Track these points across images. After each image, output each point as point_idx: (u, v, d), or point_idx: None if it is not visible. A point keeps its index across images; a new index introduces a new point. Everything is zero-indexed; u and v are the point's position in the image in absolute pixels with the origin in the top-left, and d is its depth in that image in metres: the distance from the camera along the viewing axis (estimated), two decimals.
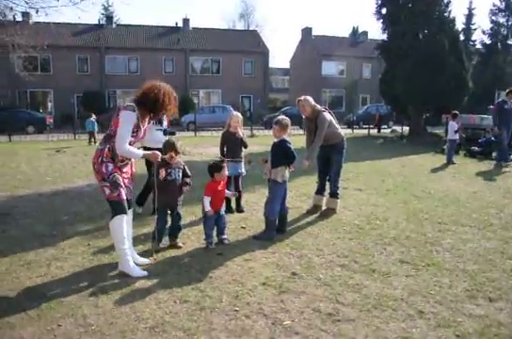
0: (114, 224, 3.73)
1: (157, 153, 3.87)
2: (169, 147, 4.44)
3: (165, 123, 5.70)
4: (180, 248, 4.42)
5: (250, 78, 37.07)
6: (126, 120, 3.60)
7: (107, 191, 3.67)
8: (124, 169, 3.81)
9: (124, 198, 3.74)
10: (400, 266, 4.01)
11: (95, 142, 16.46)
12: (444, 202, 6.69)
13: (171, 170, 4.37)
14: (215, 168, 4.59)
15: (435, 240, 4.81)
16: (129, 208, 3.85)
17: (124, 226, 3.75)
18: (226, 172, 4.70)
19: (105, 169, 3.65)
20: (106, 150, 3.66)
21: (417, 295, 3.41)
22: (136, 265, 3.84)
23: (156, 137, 5.42)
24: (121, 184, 3.71)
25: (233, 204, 5.98)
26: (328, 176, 6.02)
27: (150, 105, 3.71)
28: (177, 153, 4.44)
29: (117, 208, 3.72)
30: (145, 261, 4.04)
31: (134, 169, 4.01)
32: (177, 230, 4.54)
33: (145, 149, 5.40)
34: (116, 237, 3.75)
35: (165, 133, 5.59)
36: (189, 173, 4.55)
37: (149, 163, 5.49)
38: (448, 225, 5.42)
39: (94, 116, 17.93)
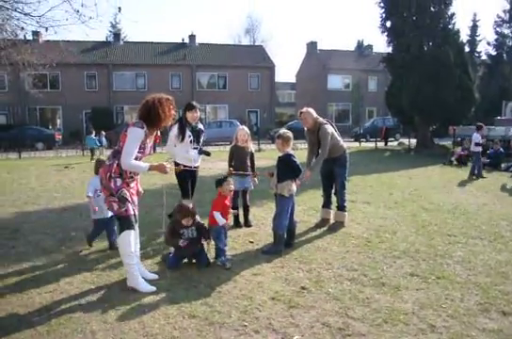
0: (122, 239, 3.74)
1: (164, 164, 3.82)
2: (185, 213, 4.28)
3: (201, 141, 5.62)
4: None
5: (257, 93, 37.32)
6: (134, 136, 3.62)
7: (115, 206, 3.69)
8: (131, 185, 3.83)
9: (132, 213, 3.75)
10: (410, 280, 3.97)
11: (92, 159, 16.51)
12: (454, 215, 6.64)
13: (184, 231, 4.28)
14: (216, 182, 4.67)
15: (445, 253, 4.76)
16: (135, 223, 3.87)
17: (132, 241, 3.76)
18: (230, 187, 4.67)
19: (114, 184, 3.67)
20: (115, 165, 3.68)
21: (428, 308, 3.37)
22: (145, 280, 3.83)
23: (191, 155, 5.42)
24: (129, 199, 3.73)
25: (241, 219, 5.97)
26: (334, 190, 6.01)
27: (155, 120, 3.71)
28: (193, 217, 4.32)
29: (125, 223, 3.73)
30: (153, 276, 4.02)
31: (140, 186, 4.03)
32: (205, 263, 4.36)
33: (176, 164, 5.40)
34: (124, 252, 3.75)
35: (200, 152, 5.54)
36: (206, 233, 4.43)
37: (181, 178, 5.46)
38: (458, 237, 5.37)
39: (94, 133, 18.04)
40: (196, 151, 5.46)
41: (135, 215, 3.82)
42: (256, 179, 6.02)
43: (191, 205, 4.34)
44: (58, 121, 34.27)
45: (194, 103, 5.45)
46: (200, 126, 5.62)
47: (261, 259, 4.55)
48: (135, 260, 3.79)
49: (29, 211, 7.16)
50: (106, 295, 3.65)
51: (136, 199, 3.90)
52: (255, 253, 4.77)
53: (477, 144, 11.27)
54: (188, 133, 5.37)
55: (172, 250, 4.42)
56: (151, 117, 3.69)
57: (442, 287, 3.80)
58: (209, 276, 4.07)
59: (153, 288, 3.73)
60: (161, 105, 3.70)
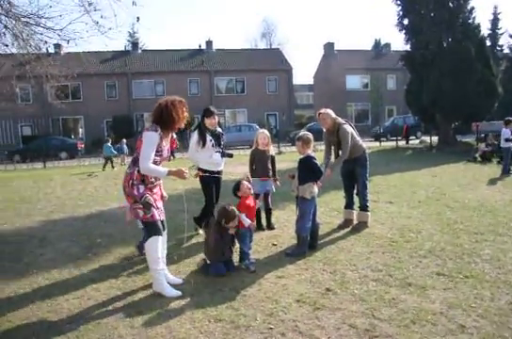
0: (150, 245, 3.76)
1: (183, 169, 3.79)
2: (232, 216, 4.28)
3: (223, 144, 5.62)
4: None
5: (275, 96, 37.35)
6: (149, 140, 3.65)
7: (141, 213, 3.72)
8: (154, 190, 3.86)
9: (158, 218, 3.78)
10: (437, 279, 3.91)
11: (113, 167, 16.75)
12: (480, 212, 6.51)
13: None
14: (233, 190, 4.70)
15: (472, 251, 4.66)
16: (163, 229, 3.90)
17: (159, 247, 3.79)
18: (246, 187, 4.65)
19: (137, 191, 3.71)
20: (136, 172, 3.72)
21: (457, 308, 3.30)
22: (169, 284, 3.86)
23: (214, 159, 5.43)
24: (154, 204, 3.76)
25: (264, 222, 5.97)
26: (356, 190, 5.96)
27: (168, 122, 3.72)
28: (234, 221, 4.30)
29: (151, 229, 3.77)
30: (178, 280, 4.05)
31: (164, 191, 4.06)
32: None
33: (199, 170, 5.46)
34: (151, 258, 3.78)
35: (223, 155, 5.52)
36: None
37: (205, 183, 5.46)
38: (485, 235, 5.26)
39: (111, 141, 18.26)
40: (219, 154, 5.47)
41: (162, 220, 3.86)
42: (278, 182, 6.02)
43: (232, 207, 4.35)
44: (80, 131, 34.97)
45: (212, 108, 5.44)
46: (219, 130, 5.65)
47: (285, 261, 4.53)
48: (161, 265, 3.82)
49: (55, 219, 7.31)
50: (133, 300, 3.69)
51: (160, 204, 3.92)
52: (279, 256, 4.76)
53: (507, 140, 10.94)
54: (209, 137, 5.38)
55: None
56: (163, 119, 3.71)
57: (471, 286, 3.72)
58: (234, 279, 4.08)
59: (179, 293, 3.76)
60: (174, 108, 3.72)
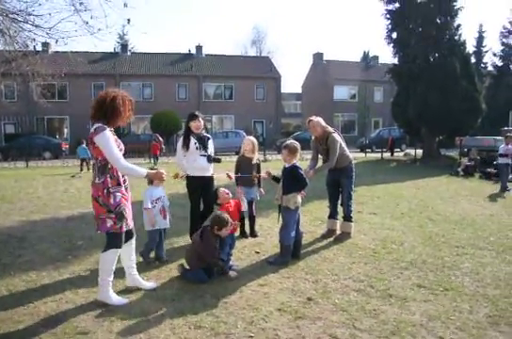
0: (107, 257, 3.61)
1: (161, 171, 3.71)
2: (225, 222, 4.24)
3: (210, 149, 5.40)
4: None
5: (263, 103, 37.49)
6: (106, 141, 3.45)
7: (109, 223, 3.53)
8: (126, 194, 3.67)
9: (124, 230, 3.63)
10: (418, 291, 3.94)
11: (88, 169, 16.41)
12: (461, 226, 6.59)
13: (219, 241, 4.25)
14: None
15: (453, 264, 4.72)
16: (132, 236, 3.80)
17: (116, 260, 3.67)
18: (224, 193, 4.63)
19: (114, 199, 3.52)
20: (109, 179, 3.54)
21: (436, 320, 3.33)
22: (143, 289, 3.82)
23: (199, 164, 5.24)
24: (126, 216, 3.61)
25: (247, 229, 5.95)
26: (340, 200, 5.99)
27: (110, 113, 3.53)
28: (226, 228, 4.28)
29: (114, 241, 3.60)
30: (151, 285, 4.01)
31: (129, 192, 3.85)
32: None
33: (188, 178, 5.31)
34: (105, 269, 3.63)
35: (209, 159, 5.31)
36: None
37: (190, 189, 5.34)
38: (466, 249, 5.33)
39: (85, 142, 18.00)
40: (204, 158, 5.27)
41: (130, 229, 3.72)
42: (262, 190, 6.01)
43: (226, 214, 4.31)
44: (65, 131, 34.54)
45: (196, 112, 5.34)
46: (207, 134, 5.50)
47: (267, 270, 4.52)
48: (111, 277, 3.69)
49: (36, 220, 7.19)
50: (112, 305, 3.63)
51: (130, 208, 3.73)
52: (261, 264, 4.75)
53: (502, 155, 11.10)
54: (194, 140, 5.23)
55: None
56: (107, 111, 3.51)
57: (450, 299, 3.76)
58: (215, 286, 4.05)
59: (125, 300, 3.68)
60: (123, 103, 3.58)
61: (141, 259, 4.69)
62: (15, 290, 3.99)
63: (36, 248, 5.43)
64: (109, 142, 3.46)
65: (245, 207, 5.24)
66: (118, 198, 3.54)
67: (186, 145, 5.23)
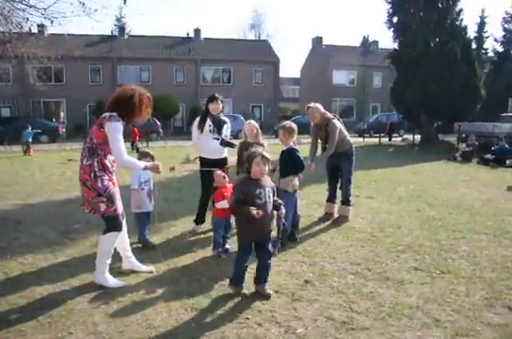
0: (107, 240, 3.61)
1: (158, 164, 3.74)
2: (263, 157, 3.45)
3: (225, 132, 5.24)
4: (269, 297, 3.42)
5: (261, 88, 37.19)
6: (117, 132, 3.45)
7: (103, 207, 3.51)
8: (113, 178, 3.66)
9: (120, 212, 3.64)
10: (414, 274, 3.94)
11: (25, 153, 16.43)
12: (458, 210, 6.60)
13: (261, 190, 3.38)
14: None
15: (450, 248, 4.72)
16: (123, 218, 3.76)
17: (115, 242, 3.68)
18: (221, 178, 4.54)
19: (101, 183, 3.49)
20: (95, 163, 3.50)
21: (433, 303, 3.34)
22: (141, 272, 3.82)
23: (212, 146, 5.16)
24: (118, 197, 3.61)
25: None
26: (339, 184, 5.97)
27: (126, 112, 3.56)
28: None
29: (112, 224, 3.59)
30: (148, 269, 4.00)
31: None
32: (266, 271, 3.51)
33: (201, 159, 5.28)
34: (104, 251, 3.63)
35: (221, 143, 5.17)
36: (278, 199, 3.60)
37: (204, 176, 5.20)
38: (463, 233, 5.33)
39: (30, 127, 17.74)
40: (217, 141, 5.15)
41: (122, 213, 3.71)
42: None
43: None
44: (62, 115, 34.26)
45: (216, 94, 5.25)
46: (224, 118, 5.36)
47: None
48: (110, 260, 3.68)
49: (32, 203, 7.16)
50: (109, 287, 3.63)
51: (118, 191, 3.70)
52: None
53: None
54: (209, 122, 5.15)
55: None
56: (124, 109, 3.54)
57: (447, 282, 3.77)
58: (212, 268, 4.05)
59: (122, 283, 3.67)
60: (141, 101, 3.59)
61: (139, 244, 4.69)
62: (11, 273, 3.97)
63: (32, 231, 5.41)
64: (119, 134, 3.48)
65: None
66: (105, 181, 3.52)
67: (201, 127, 5.16)
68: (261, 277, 3.50)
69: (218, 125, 5.19)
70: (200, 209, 5.37)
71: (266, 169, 3.44)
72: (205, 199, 5.31)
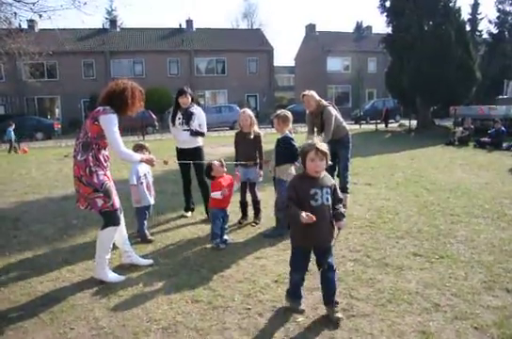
0: (106, 235, 3.61)
1: (152, 157, 3.81)
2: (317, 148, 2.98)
3: (194, 122, 5.44)
4: (336, 324, 2.85)
5: (256, 77, 36.98)
6: (112, 123, 3.46)
7: (100, 202, 3.50)
8: (108, 173, 3.65)
9: (118, 207, 3.63)
10: (413, 260, 3.96)
11: (16, 152, 16.44)
12: (456, 194, 6.60)
13: (316, 190, 2.89)
14: (205, 170, 4.66)
15: (448, 232, 4.73)
16: (120, 212, 3.74)
17: (114, 237, 3.68)
18: (219, 167, 4.50)
19: (97, 178, 3.47)
20: (90, 158, 3.48)
21: (432, 288, 3.35)
22: (140, 266, 3.84)
23: (182, 137, 5.49)
24: (114, 191, 3.61)
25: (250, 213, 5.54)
26: (336, 171, 5.96)
27: (119, 105, 3.56)
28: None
29: (110, 219, 3.59)
30: (147, 262, 4.01)
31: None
32: (329, 288, 2.98)
33: (177, 149, 5.66)
34: (103, 247, 3.63)
35: (191, 134, 5.45)
36: (341, 197, 3.11)
37: (182, 166, 5.62)
38: (461, 217, 5.34)
39: (14, 125, 17.61)
40: (187, 132, 5.44)
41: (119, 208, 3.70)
42: (261, 172, 5.31)
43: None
44: (57, 111, 34.09)
45: (185, 88, 5.52)
46: (193, 109, 5.47)
47: (263, 242, 4.53)
48: (109, 255, 3.69)
49: (30, 200, 7.15)
50: (109, 282, 3.64)
51: (113, 185, 3.68)
52: (258, 237, 4.76)
53: None
54: (179, 115, 5.48)
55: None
56: (117, 102, 3.54)
57: (446, 266, 3.78)
58: (211, 260, 4.06)
59: (122, 277, 3.68)
60: (133, 95, 3.60)
61: (137, 238, 4.70)
62: (11, 270, 3.98)
63: (31, 228, 5.41)
64: (115, 126, 3.49)
65: (236, 186, 4.90)
66: (100, 176, 3.51)
67: (173, 120, 5.53)
68: (325, 295, 2.99)
69: (187, 117, 5.46)
70: (185, 197, 5.82)
71: (323, 164, 2.94)
72: (185, 188, 5.77)
